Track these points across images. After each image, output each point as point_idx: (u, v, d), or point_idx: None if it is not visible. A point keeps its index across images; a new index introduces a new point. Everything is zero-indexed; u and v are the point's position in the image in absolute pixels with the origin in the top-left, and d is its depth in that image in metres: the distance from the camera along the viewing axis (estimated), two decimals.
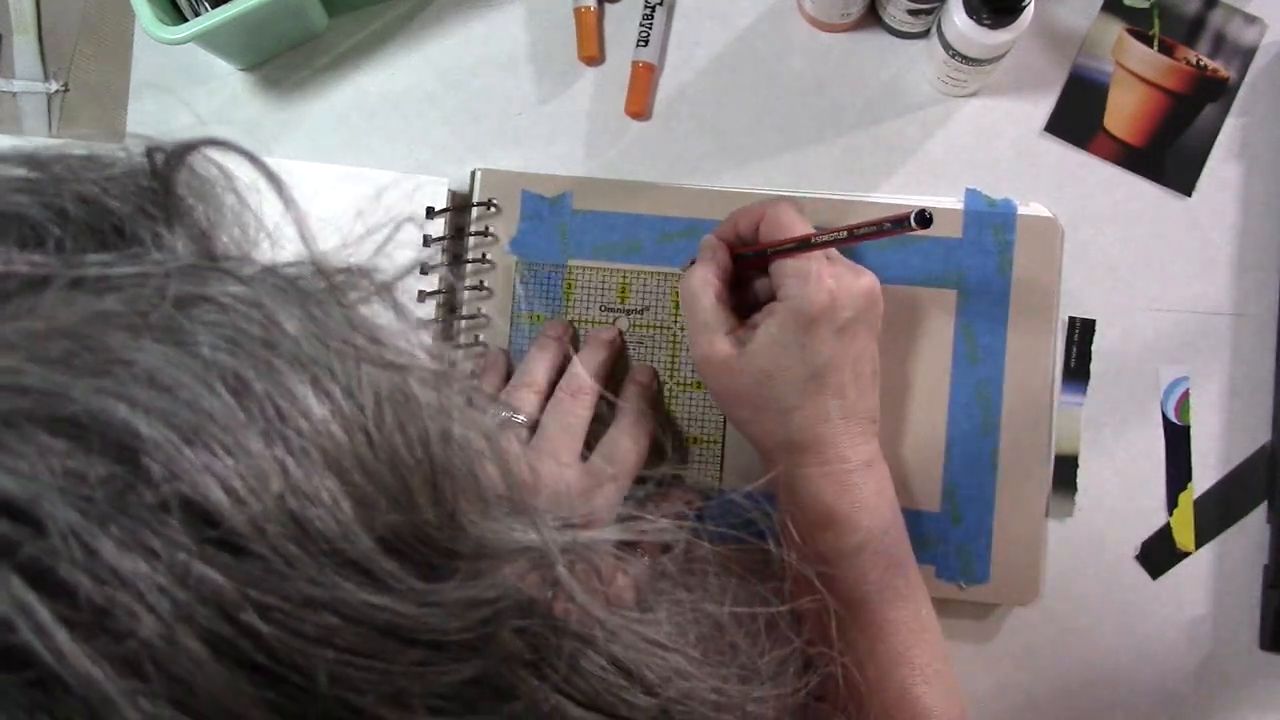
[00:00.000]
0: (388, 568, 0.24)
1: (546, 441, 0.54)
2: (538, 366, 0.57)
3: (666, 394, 0.60)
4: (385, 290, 0.27)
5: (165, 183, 0.26)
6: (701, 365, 0.54)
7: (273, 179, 0.27)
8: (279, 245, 0.28)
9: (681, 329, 0.60)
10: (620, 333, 0.60)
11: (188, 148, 0.27)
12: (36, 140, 0.27)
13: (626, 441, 0.55)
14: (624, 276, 0.61)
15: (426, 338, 0.27)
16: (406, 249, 0.64)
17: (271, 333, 0.24)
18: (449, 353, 0.28)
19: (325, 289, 0.26)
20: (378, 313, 0.27)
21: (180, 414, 0.22)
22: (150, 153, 0.27)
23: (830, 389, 0.51)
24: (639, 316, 0.61)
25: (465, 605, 0.25)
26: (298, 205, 0.27)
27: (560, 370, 0.58)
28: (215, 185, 0.28)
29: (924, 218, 0.45)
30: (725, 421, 0.60)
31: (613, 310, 0.61)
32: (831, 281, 0.51)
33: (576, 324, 0.61)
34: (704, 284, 0.53)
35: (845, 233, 0.49)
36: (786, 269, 0.51)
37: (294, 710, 0.23)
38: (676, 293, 0.60)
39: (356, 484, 0.24)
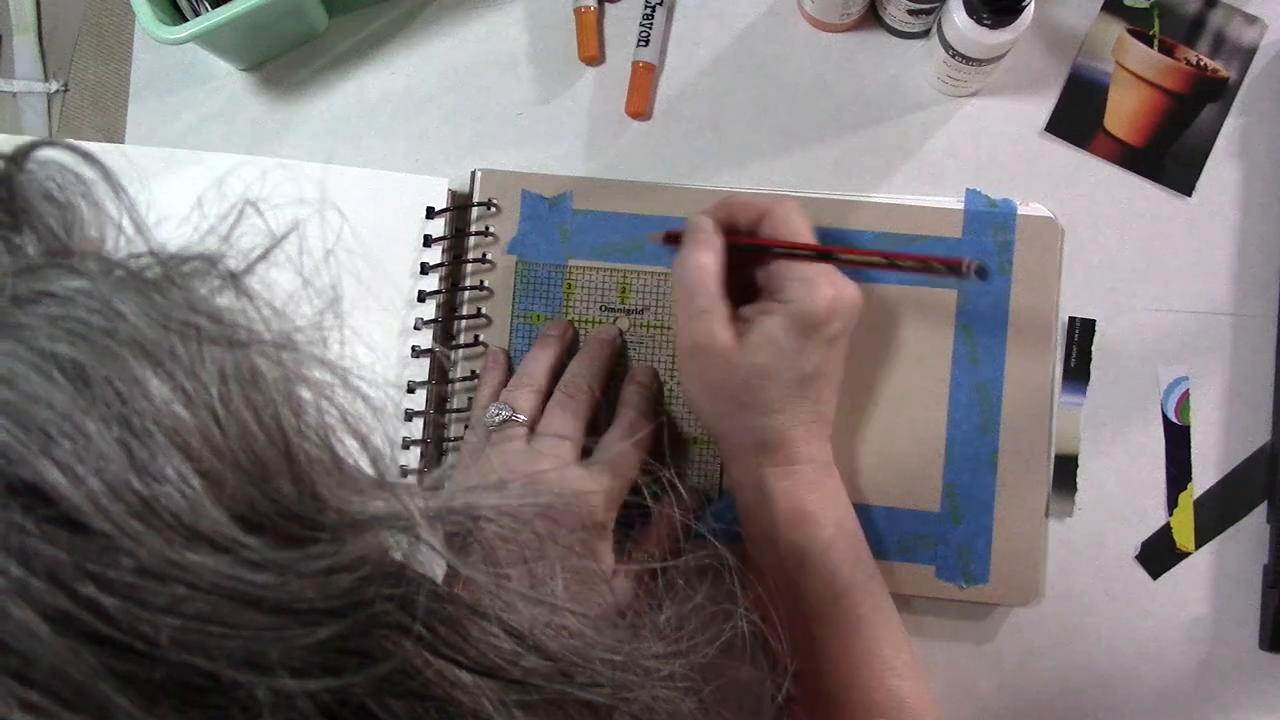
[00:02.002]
0: (243, 540, 0.24)
1: (546, 441, 0.54)
2: (538, 366, 0.57)
3: (666, 394, 0.60)
4: (231, 277, 0.28)
5: (8, 188, 0.27)
6: (692, 351, 0.52)
7: (106, 174, 0.28)
8: (134, 241, 0.28)
9: None
10: (620, 332, 0.60)
11: (22, 152, 0.28)
12: None
13: (626, 442, 0.55)
14: (624, 276, 0.61)
15: (271, 314, 0.28)
16: (406, 248, 0.64)
17: (112, 321, 0.24)
18: (307, 329, 0.28)
19: (164, 275, 0.26)
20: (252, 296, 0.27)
21: (15, 402, 0.23)
22: None
23: (811, 395, 0.52)
24: (639, 316, 0.60)
25: (325, 573, 0.25)
26: (128, 194, 0.28)
27: (561, 369, 0.58)
28: (67, 188, 0.28)
29: (983, 271, 0.45)
30: None
31: (613, 310, 0.61)
32: (832, 291, 0.51)
33: (577, 324, 0.61)
34: (705, 268, 0.52)
35: (882, 259, 0.49)
36: (792, 271, 0.52)
37: (141, 676, 0.23)
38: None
39: (205, 461, 0.24)
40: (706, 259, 0.52)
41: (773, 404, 0.51)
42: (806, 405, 0.52)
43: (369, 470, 0.29)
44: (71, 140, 0.29)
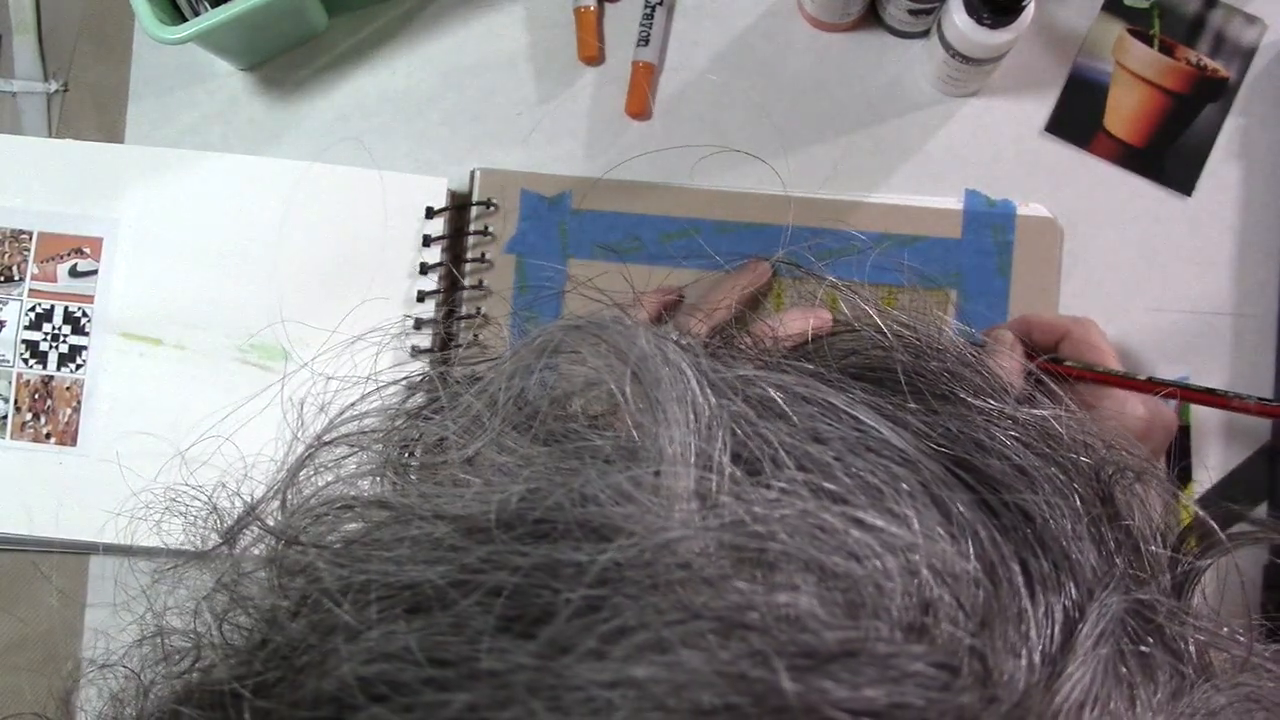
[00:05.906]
0: None
1: None
2: (721, 297, 0.57)
3: None
4: None
5: None
6: None
7: None
8: None
9: None
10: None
11: None
12: None
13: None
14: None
15: None
16: (405, 248, 0.64)
17: None
18: None
19: None
20: None
21: None
22: None
23: None
24: None
25: None
26: None
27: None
28: None
29: None
30: None
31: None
32: (1145, 411, 0.52)
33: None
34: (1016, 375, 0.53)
35: (1179, 392, 0.52)
36: (1100, 392, 0.53)
37: None
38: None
39: None
40: (1017, 366, 0.53)
41: None
42: None
43: None
44: None
